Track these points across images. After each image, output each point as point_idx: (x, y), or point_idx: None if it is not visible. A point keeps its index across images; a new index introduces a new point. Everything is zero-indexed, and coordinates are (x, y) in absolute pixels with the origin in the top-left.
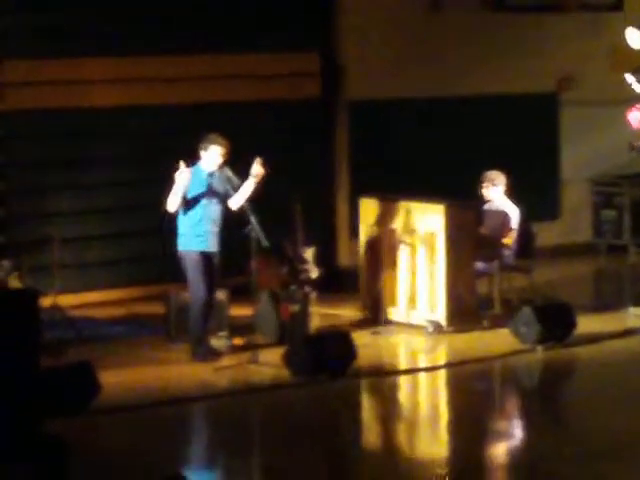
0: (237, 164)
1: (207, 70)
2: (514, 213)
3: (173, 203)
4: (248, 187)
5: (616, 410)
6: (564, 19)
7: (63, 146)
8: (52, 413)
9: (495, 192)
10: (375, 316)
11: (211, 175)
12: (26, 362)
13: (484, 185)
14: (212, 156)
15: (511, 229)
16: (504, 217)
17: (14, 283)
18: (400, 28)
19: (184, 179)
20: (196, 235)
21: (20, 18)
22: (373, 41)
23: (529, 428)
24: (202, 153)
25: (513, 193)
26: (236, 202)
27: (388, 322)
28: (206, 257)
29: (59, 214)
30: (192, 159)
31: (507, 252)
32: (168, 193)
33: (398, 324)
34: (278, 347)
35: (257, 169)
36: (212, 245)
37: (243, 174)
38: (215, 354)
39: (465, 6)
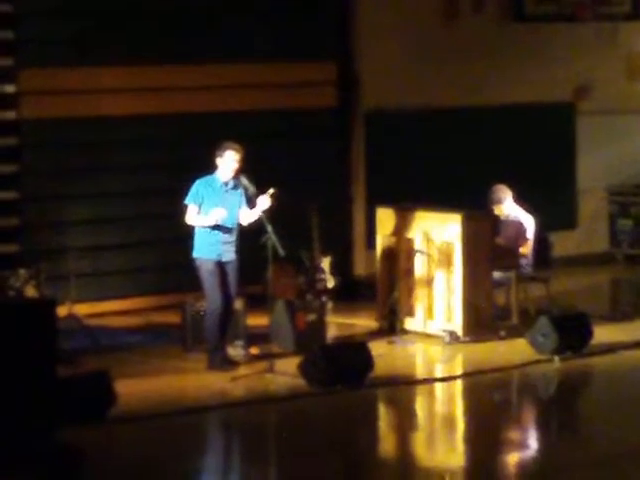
0: (252, 173)
1: (223, 79)
2: (529, 222)
3: (194, 222)
4: (258, 210)
5: (633, 420)
6: (581, 28)
7: (79, 155)
8: (69, 422)
9: (505, 207)
10: (391, 326)
11: (226, 184)
12: (43, 371)
13: (493, 206)
14: (228, 162)
15: (527, 239)
16: (519, 227)
17: (31, 292)
18: (417, 38)
19: (219, 219)
20: (211, 244)
21: (35, 28)
22: (390, 51)
23: (546, 438)
24: (218, 160)
25: (530, 203)
26: (246, 219)
27: (404, 332)
28: (221, 266)
29: (75, 223)
30: (209, 168)
31: (524, 262)
32: (183, 201)
33: (415, 334)
34: (294, 356)
35: (266, 200)
36: (227, 254)
37: (257, 182)
38: (231, 363)
39: (482, 16)
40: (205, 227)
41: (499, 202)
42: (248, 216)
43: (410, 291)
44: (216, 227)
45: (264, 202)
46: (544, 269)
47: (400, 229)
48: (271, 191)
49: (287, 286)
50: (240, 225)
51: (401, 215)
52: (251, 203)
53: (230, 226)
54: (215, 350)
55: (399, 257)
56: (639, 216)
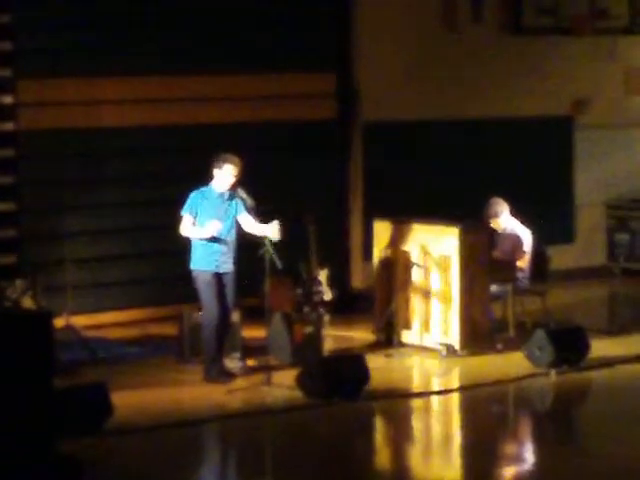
0: (249, 185)
1: (223, 90)
2: (526, 236)
3: (189, 233)
4: (263, 231)
5: (630, 434)
6: (579, 42)
7: (77, 166)
8: (66, 434)
9: (502, 220)
10: (388, 339)
11: (223, 195)
12: (40, 383)
13: (489, 220)
14: (225, 175)
15: (524, 252)
16: (516, 240)
17: (28, 303)
18: (416, 51)
19: (214, 232)
20: (207, 255)
21: (34, 39)
22: (389, 63)
23: (542, 452)
24: (216, 171)
25: (527, 216)
26: (248, 227)
27: (401, 345)
28: (218, 277)
29: (73, 234)
30: (206, 179)
31: (521, 275)
32: (180, 213)
33: (411, 347)
34: (291, 369)
35: (275, 232)
36: (224, 265)
37: (255, 194)
38: (228, 375)
39: (481, 29)
40: (201, 239)
41: (496, 215)
42: (251, 227)
43: (407, 304)
44: (213, 239)
45: (273, 232)
46: (541, 282)
47: (397, 242)
48: (276, 223)
49: (284, 298)
50: (239, 236)
51: (398, 228)
52: (249, 215)
53: (227, 238)
54: (212, 362)
55: (396, 270)
56: (637, 230)
